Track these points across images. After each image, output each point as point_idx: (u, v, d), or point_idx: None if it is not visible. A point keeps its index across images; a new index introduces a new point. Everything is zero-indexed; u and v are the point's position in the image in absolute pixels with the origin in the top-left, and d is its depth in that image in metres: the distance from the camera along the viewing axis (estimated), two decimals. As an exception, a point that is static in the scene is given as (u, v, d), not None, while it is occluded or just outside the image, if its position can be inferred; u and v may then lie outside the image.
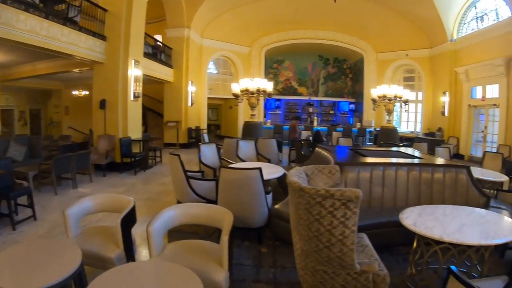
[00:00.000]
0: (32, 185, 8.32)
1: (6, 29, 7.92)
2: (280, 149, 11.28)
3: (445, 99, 17.91)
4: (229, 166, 6.62)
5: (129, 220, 4.18)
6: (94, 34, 11.30)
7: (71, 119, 23.03)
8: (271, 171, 7.04)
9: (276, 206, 5.69)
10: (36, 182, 9.04)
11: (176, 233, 5.56)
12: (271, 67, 25.22)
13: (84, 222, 4.52)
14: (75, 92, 20.55)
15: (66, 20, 10.04)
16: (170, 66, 18.02)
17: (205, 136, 14.72)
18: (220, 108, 26.04)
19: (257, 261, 4.99)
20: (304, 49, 24.07)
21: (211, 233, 5.84)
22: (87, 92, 20.01)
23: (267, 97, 12.74)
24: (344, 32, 22.31)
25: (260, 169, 5.27)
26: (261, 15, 20.41)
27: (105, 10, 11.74)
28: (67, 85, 22.25)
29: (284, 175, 6.79)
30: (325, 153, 7.47)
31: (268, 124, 21.94)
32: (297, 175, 3.85)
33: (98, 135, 12.08)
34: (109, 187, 9.79)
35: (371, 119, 21.79)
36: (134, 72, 12.13)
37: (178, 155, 6.34)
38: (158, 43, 17.29)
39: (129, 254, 4.14)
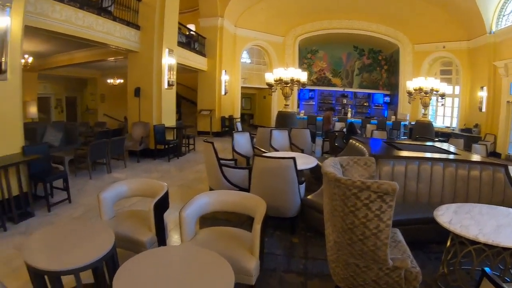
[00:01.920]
0: (68, 170, 8.60)
1: (42, 19, 8.05)
2: (313, 140, 11.19)
3: (483, 94, 17.01)
4: (263, 154, 6.55)
5: (162, 205, 4.21)
6: (128, 23, 11.44)
7: (106, 106, 23.69)
8: (305, 161, 6.93)
9: (309, 197, 5.62)
10: (72, 166, 9.33)
11: (209, 220, 5.59)
12: (305, 57, 24.85)
13: (117, 206, 4.59)
14: (110, 81, 20.97)
15: (101, 10, 10.18)
16: (203, 55, 18.09)
17: (239, 125, 14.68)
18: (253, 98, 25.94)
19: (288, 251, 4.95)
20: (338, 39, 23.60)
21: (244, 221, 5.81)
22: (121, 81, 20.42)
23: (301, 87, 12.65)
24: (379, 22, 21.73)
25: (294, 158, 5.20)
26: (296, 4, 20.11)
27: (138, 0, 11.90)
28: (102, 74, 22.69)
29: (317, 166, 6.75)
30: (360, 145, 7.34)
31: (302, 115, 21.78)
32: (332, 166, 3.73)
33: (132, 122, 12.30)
34: (143, 172, 9.95)
35: (406, 112, 21.26)
36: (168, 60, 12.22)
37: (212, 143, 6.36)
38: (192, 32, 17.35)
39: (161, 238, 4.17)
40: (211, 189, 6.70)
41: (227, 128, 18.93)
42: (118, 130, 13.51)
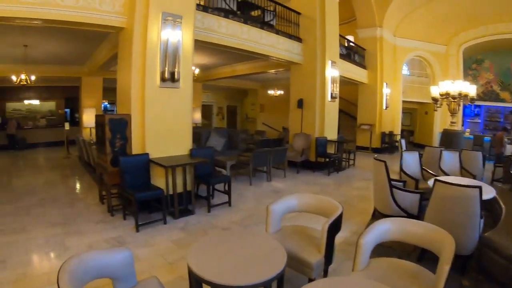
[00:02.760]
0: (230, 174, 9.08)
1: (209, 34, 8.75)
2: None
3: None
4: (445, 180, 5.85)
5: (335, 227, 4.01)
6: (290, 36, 11.78)
7: (265, 116, 24.86)
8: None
9: (487, 234, 4.67)
10: (233, 171, 9.90)
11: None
12: (470, 68, 22.38)
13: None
14: (271, 92, 21.63)
15: (263, 24, 10.66)
16: (363, 67, 17.72)
17: (403, 142, 13.33)
18: (414, 113, 24.17)
19: (456, 295, 4.34)
20: (506, 46, 20.58)
21: (410, 251, 5.32)
22: (282, 92, 21.00)
23: (469, 103, 11.67)
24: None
25: (480, 188, 4.56)
26: (457, 8, 18.13)
27: (298, 13, 12.24)
28: (262, 85, 23.82)
29: (494, 198, 6.08)
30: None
31: (467, 134, 19.99)
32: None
33: (294, 133, 12.53)
34: (302, 184, 9.93)
35: None
36: (331, 72, 12.19)
37: (385, 162, 5.97)
38: (351, 43, 17.04)
39: (328, 261, 3.98)
40: (376, 210, 6.48)
41: (386, 144, 18.20)
42: (278, 140, 13.76)
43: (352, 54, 16.62)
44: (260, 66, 14.72)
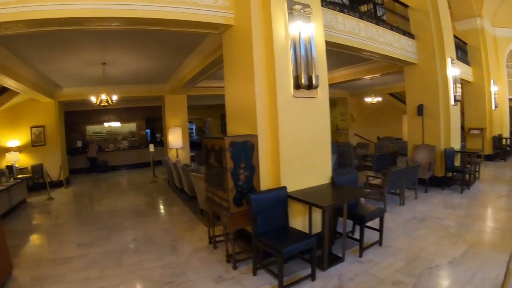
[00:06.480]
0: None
1: (328, 32, 7.07)
2: None
3: None
4: None
5: None
6: (404, 32, 10.15)
7: (356, 126, 23.39)
8: None
9: None
10: None
11: None
12: None
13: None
14: (367, 99, 19.49)
15: (378, 20, 9.09)
16: (467, 63, 15.56)
17: None
18: None
19: None
20: None
21: None
22: (379, 99, 19.29)
23: None
24: None
25: None
26: None
27: (406, 6, 10.60)
28: (352, 93, 22.56)
29: None
30: None
31: None
32: None
33: (414, 144, 10.83)
34: (441, 207, 8.09)
35: None
36: (452, 72, 10.46)
37: None
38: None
39: None
40: None
41: (498, 150, 15.89)
42: (394, 153, 11.99)
43: (456, 50, 14.64)
44: (364, 71, 13.41)
